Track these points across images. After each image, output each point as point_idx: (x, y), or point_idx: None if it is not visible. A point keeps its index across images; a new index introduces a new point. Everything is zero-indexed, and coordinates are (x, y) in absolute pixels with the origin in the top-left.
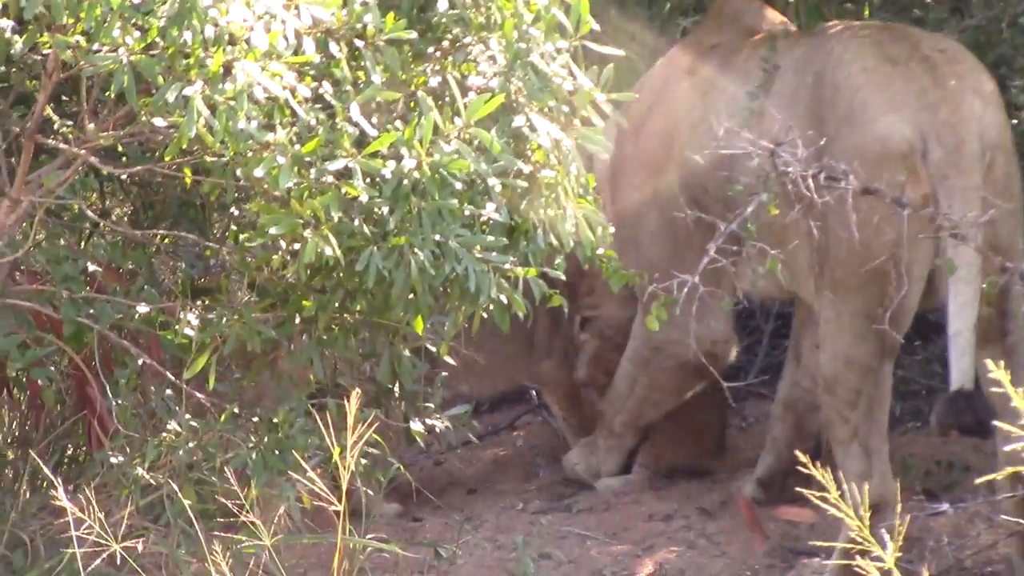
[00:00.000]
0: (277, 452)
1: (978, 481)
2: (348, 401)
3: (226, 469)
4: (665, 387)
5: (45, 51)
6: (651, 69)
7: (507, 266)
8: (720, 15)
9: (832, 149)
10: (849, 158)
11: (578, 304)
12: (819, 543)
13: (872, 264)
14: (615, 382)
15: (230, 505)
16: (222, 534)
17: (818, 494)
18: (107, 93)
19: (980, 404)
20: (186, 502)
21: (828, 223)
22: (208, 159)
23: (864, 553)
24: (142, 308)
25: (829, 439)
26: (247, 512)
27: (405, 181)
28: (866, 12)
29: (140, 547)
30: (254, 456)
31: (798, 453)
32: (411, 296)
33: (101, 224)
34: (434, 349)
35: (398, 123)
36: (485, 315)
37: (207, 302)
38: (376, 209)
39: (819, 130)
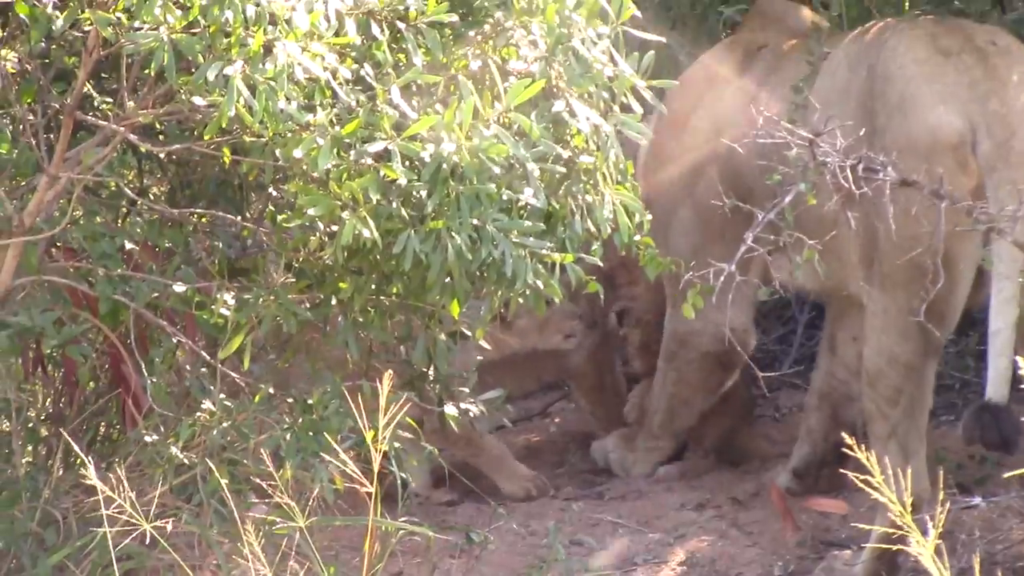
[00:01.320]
0: (311, 434)
1: (1007, 476)
2: (381, 383)
3: (260, 450)
4: (691, 382)
5: (86, 28)
6: (693, 67)
7: (544, 251)
8: (764, 15)
9: (883, 139)
10: (899, 148)
11: (618, 294)
12: (859, 526)
13: (918, 260)
14: (655, 381)
15: (264, 486)
16: (255, 515)
17: (862, 477)
18: (147, 71)
19: (1007, 420)
20: (223, 482)
21: (877, 217)
22: (247, 139)
23: (902, 541)
24: (178, 287)
25: (868, 433)
26: (280, 493)
27: (444, 165)
28: (905, 7)
29: (170, 527)
30: (288, 437)
31: (844, 436)
32: (447, 280)
33: (139, 202)
34: (469, 333)
35: (438, 106)
36: (521, 300)
37: (243, 282)
38: (414, 192)
39: (871, 122)
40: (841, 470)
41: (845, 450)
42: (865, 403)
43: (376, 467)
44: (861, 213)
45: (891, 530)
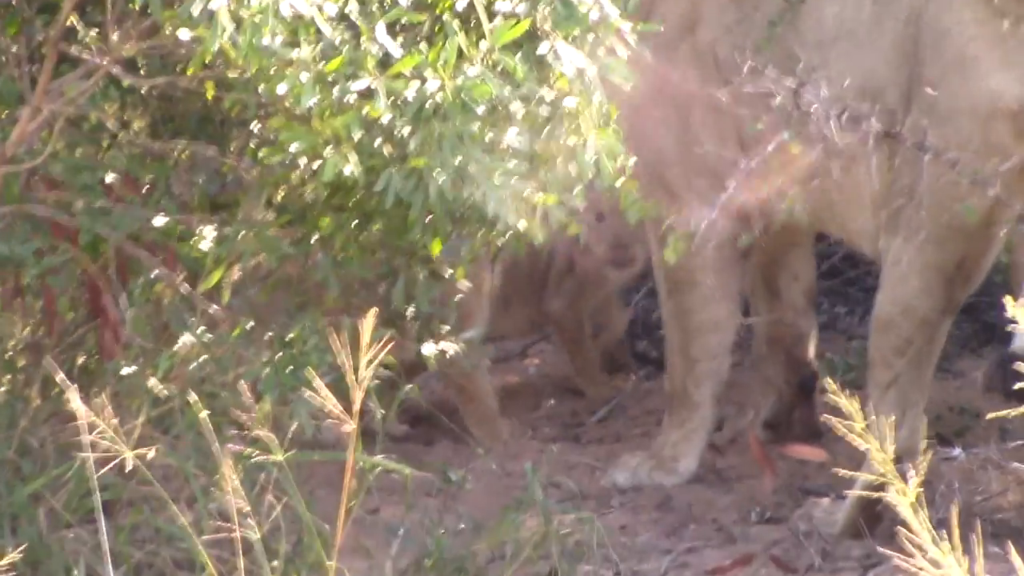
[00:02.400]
0: (290, 369)
1: (990, 416)
2: (362, 320)
3: (238, 384)
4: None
5: None
6: None
7: (526, 193)
8: None
9: (934, 98)
10: (955, 110)
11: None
12: (839, 472)
13: (965, 222)
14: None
15: (242, 420)
16: (233, 448)
17: (845, 424)
18: (132, 4)
19: None
20: (203, 413)
21: (919, 170)
22: (230, 74)
23: (883, 488)
24: (159, 220)
25: (868, 380)
26: (258, 427)
27: (427, 104)
28: None
29: (151, 455)
30: (267, 372)
31: (828, 382)
32: (429, 219)
33: (120, 135)
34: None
35: (423, 45)
36: (501, 242)
37: (224, 217)
38: (397, 130)
39: (914, 70)
40: (812, 411)
41: (829, 394)
42: (871, 349)
43: (357, 404)
44: (886, 161)
45: (873, 477)
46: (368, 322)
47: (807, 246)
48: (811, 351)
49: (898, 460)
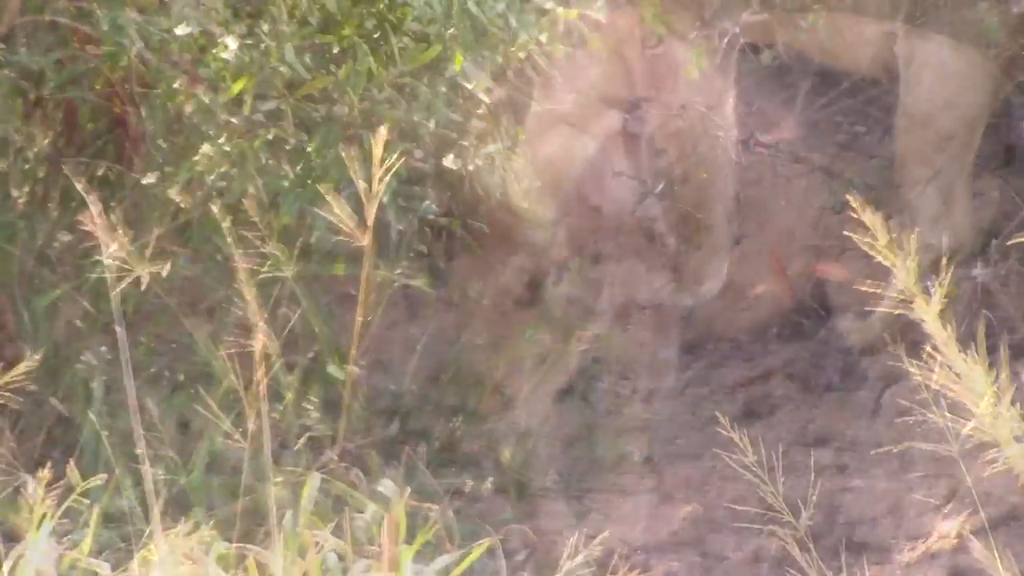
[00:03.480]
0: (309, 182)
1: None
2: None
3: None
4: None
5: None
6: None
7: (548, 6)
8: None
9: None
10: None
11: None
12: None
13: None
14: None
15: (251, 237)
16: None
17: (866, 239)
18: None
19: None
20: (224, 224)
21: None
22: None
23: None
24: (182, 30)
25: (900, 180)
26: (274, 241)
27: None
28: None
29: (164, 272)
30: (286, 184)
31: (849, 198)
32: (451, 32)
33: None
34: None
35: None
36: (523, 55)
37: (249, 28)
38: None
39: None
40: None
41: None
42: (900, 151)
43: (370, 219)
44: None
45: (895, 294)
46: (380, 135)
47: None
48: None
49: (950, 254)
